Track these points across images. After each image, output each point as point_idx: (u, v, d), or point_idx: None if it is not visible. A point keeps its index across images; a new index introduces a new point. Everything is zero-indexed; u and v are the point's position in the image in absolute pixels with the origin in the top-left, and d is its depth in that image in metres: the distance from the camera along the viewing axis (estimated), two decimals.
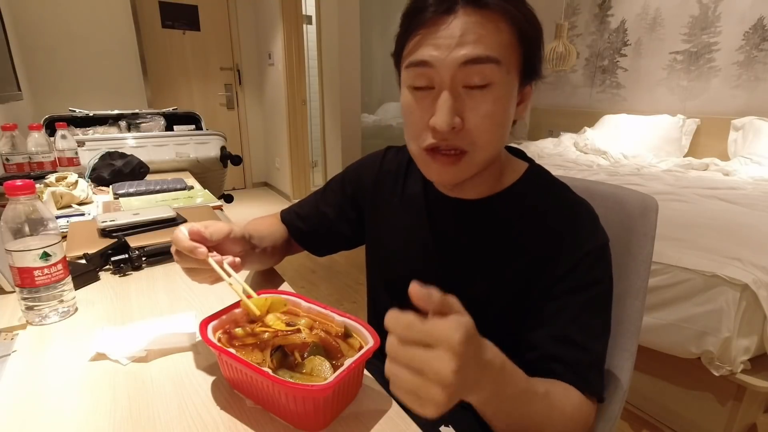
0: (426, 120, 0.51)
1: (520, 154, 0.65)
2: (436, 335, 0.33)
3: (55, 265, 0.62)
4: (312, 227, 0.77)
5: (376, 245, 0.73)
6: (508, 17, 0.48)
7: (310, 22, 3.95)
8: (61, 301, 0.64)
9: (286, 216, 0.80)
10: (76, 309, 0.66)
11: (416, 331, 0.34)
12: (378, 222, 0.72)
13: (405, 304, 0.68)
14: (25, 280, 0.60)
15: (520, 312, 0.57)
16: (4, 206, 0.60)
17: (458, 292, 0.56)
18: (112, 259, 0.79)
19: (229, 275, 0.53)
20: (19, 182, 0.58)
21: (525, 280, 0.57)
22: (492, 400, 0.41)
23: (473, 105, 0.50)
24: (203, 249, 0.53)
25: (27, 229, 0.59)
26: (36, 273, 0.60)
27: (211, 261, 0.53)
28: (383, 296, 0.73)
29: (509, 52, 0.49)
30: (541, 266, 0.55)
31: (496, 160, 0.58)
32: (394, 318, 0.35)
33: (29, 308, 0.62)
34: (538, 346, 0.54)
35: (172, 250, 0.55)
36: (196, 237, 0.54)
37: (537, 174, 0.62)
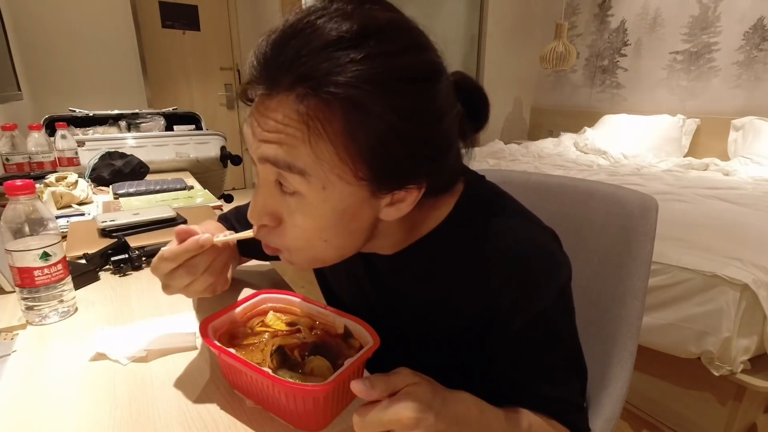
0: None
1: (462, 170, 0.50)
2: (387, 420, 0.35)
3: (55, 265, 0.62)
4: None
5: (324, 278, 0.68)
6: (352, 118, 0.35)
7: None
8: (61, 301, 0.64)
9: (223, 223, 0.69)
10: (76, 309, 0.66)
11: (370, 423, 0.35)
12: None
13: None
14: (25, 280, 0.60)
15: (476, 354, 0.50)
16: (4, 206, 0.60)
17: (402, 332, 0.54)
18: (112, 259, 0.79)
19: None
20: (19, 182, 0.58)
21: (470, 327, 0.49)
22: None
23: (287, 210, 0.41)
24: (207, 235, 0.49)
25: (27, 229, 0.59)
26: (36, 273, 0.60)
27: (219, 238, 0.51)
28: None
29: (331, 164, 0.37)
30: (487, 321, 0.47)
31: (387, 231, 0.46)
32: (355, 421, 0.36)
33: (29, 308, 0.62)
34: (510, 397, 0.49)
35: (163, 266, 0.50)
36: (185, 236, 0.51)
37: (468, 209, 0.48)
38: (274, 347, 0.48)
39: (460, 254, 0.48)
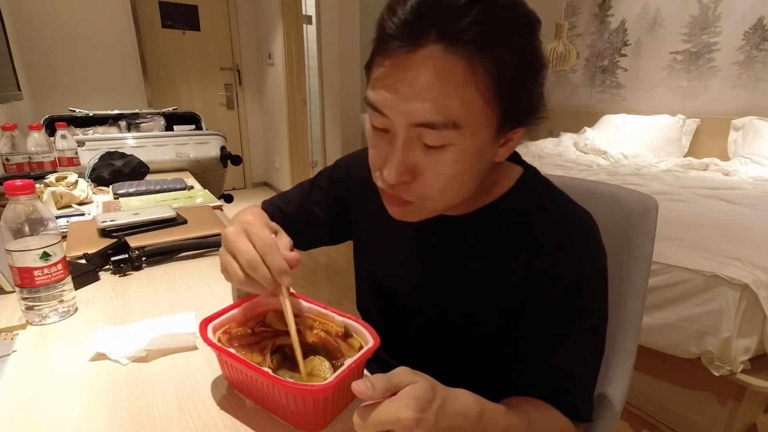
0: (380, 163, 0.47)
1: (515, 157, 0.58)
2: (387, 421, 0.35)
3: (55, 265, 0.62)
4: (296, 225, 0.70)
5: (362, 244, 0.71)
6: (488, 60, 0.39)
7: (310, 22, 3.94)
8: (61, 301, 0.64)
9: (269, 210, 0.73)
10: (76, 309, 0.66)
11: (371, 424, 0.35)
12: (365, 221, 0.70)
13: (387, 303, 0.68)
14: (25, 280, 0.60)
15: (506, 330, 0.53)
16: (3, 206, 0.60)
17: (439, 305, 0.58)
18: (112, 259, 0.79)
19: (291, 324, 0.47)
20: (19, 182, 0.58)
21: (512, 298, 0.52)
22: None
23: (428, 162, 0.44)
24: (290, 278, 0.47)
25: (27, 229, 0.59)
26: (36, 273, 0.60)
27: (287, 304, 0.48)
28: (369, 294, 0.72)
29: (478, 110, 0.41)
30: (530, 287, 0.51)
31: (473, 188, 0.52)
32: (355, 421, 0.36)
33: (29, 308, 0.62)
34: (524, 370, 0.52)
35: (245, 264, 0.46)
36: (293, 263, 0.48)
37: (530, 182, 0.56)
38: (274, 347, 0.48)
39: (522, 220, 0.52)
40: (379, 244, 0.67)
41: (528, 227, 0.52)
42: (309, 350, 0.48)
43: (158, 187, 1.37)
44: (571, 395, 0.51)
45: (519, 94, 0.43)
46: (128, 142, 1.79)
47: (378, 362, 0.71)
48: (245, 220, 0.49)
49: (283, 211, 0.73)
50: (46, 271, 0.61)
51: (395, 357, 0.68)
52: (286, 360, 0.47)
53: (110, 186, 1.42)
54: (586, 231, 0.51)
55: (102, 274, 0.79)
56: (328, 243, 0.76)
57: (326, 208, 0.72)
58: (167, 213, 1.00)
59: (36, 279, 0.60)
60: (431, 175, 0.45)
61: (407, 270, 0.62)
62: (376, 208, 0.66)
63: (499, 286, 0.53)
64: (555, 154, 2.84)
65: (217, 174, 2.05)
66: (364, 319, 0.73)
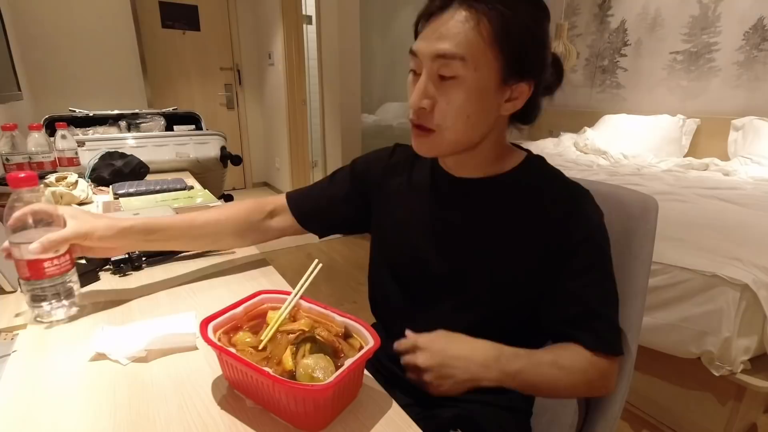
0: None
1: (520, 148, 0.69)
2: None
3: (63, 255, 0.62)
4: (318, 208, 0.80)
5: (383, 232, 0.75)
6: (491, 16, 0.53)
7: (310, 22, 3.94)
8: (69, 292, 0.63)
9: (293, 195, 0.82)
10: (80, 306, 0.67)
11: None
12: (385, 210, 0.74)
13: (407, 287, 0.71)
14: (34, 272, 0.59)
15: (530, 286, 0.61)
16: (3, 206, 0.60)
17: (460, 270, 0.64)
18: (112, 259, 0.79)
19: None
20: (22, 174, 0.58)
21: (532, 257, 0.60)
22: (504, 379, 0.55)
23: (442, 92, 0.56)
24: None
25: (30, 221, 0.59)
26: (46, 264, 0.60)
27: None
28: (389, 283, 0.73)
29: (480, 49, 0.53)
30: (548, 243, 0.59)
31: (488, 145, 0.62)
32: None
33: (36, 300, 0.61)
34: (556, 315, 0.60)
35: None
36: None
37: (535, 161, 0.66)
38: (300, 339, 0.48)
39: (533, 185, 0.63)
40: (398, 228, 0.72)
41: (538, 196, 0.61)
42: (309, 341, 0.48)
43: (158, 187, 1.37)
44: (601, 331, 0.58)
45: (518, 49, 0.54)
46: (128, 142, 1.79)
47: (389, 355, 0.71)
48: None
49: (307, 194, 0.81)
50: (55, 261, 0.60)
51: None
52: (320, 347, 0.48)
53: (110, 186, 1.42)
54: (585, 196, 0.61)
55: (102, 274, 0.79)
56: (343, 230, 0.82)
57: (345, 198, 0.78)
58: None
59: (46, 270, 0.60)
60: (444, 103, 0.56)
61: (427, 244, 0.67)
62: (397, 195, 0.73)
63: (516, 245, 0.61)
64: (555, 154, 2.84)
65: (217, 174, 2.05)
66: (379, 309, 0.77)
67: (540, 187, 0.62)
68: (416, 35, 0.59)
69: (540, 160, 0.66)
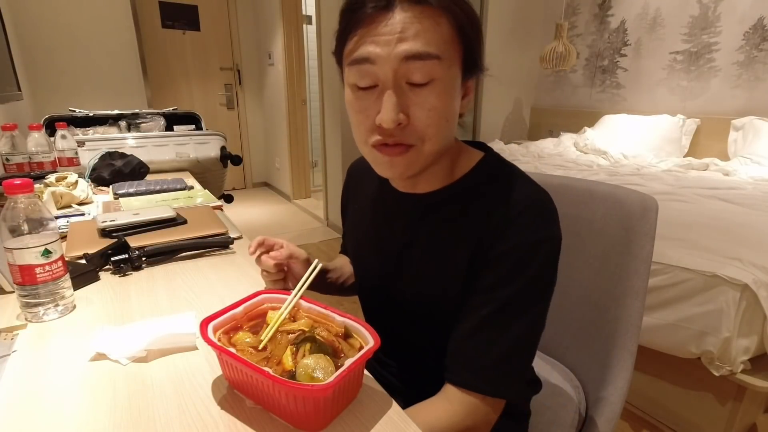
0: (372, 118, 0.50)
1: (481, 146, 0.63)
2: None
3: (55, 261, 0.62)
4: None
5: (350, 250, 0.76)
6: (446, 12, 0.48)
7: (310, 22, 3.94)
8: (62, 297, 0.64)
9: (342, 250, 0.86)
10: (74, 306, 0.67)
11: None
12: (350, 227, 0.75)
13: (368, 302, 0.72)
14: (27, 278, 0.60)
15: (454, 301, 0.56)
16: (2, 206, 0.60)
17: (407, 287, 0.61)
18: (112, 259, 0.79)
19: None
20: (17, 181, 0.59)
21: (465, 274, 0.55)
22: None
23: (418, 100, 0.49)
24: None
25: (26, 227, 0.59)
26: (38, 270, 0.60)
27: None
28: (361, 301, 0.74)
29: (450, 47, 0.49)
30: (477, 260, 0.53)
31: (445, 153, 0.56)
32: None
33: (29, 305, 0.62)
34: (452, 340, 0.55)
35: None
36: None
37: (489, 164, 0.59)
38: (300, 339, 0.48)
39: (478, 196, 0.56)
40: (358, 244, 0.71)
41: (483, 203, 0.55)
42: (309, 341, 0.48)
43: (158, 187, 1.37)
44: (480, 366, 0.52)
45: (472, 44, 0.51)
46: (128, 142, 1.78)
47: (379, 361, 0.72)
48: None
49: (342, 245, 0.85)
50: (47, 267, 0.61)
51: (389, 356, 0.70)
52: (321, 347, 0.48)
53: (110, 186, 1.42)
54: (539, 207, 0.53)
55: (102, 274, 0.79)
56: None
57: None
58: (167, 213, 1.00)
59: (38, 276, 0.60)
60: (424, 112, 0.49)
61: (378, 260, 0.66)
62: (358, 212, 0.72)
63: (455, 262, 0.55)
64: (555, 154, 2.84)
65: (217, 174, 2.04)
66: (367, 321, 0.75)
67: (486, 198, 0.55)
68: (342, 47, 0.51)
69: (495, 164, 0.59)
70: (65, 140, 1.48)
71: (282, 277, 0.69)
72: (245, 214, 3.81)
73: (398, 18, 0.47)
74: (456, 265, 0.55)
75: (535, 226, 0.52)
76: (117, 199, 1.29)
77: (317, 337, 0.49)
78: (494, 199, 0.54)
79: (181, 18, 3.86)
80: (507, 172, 0.57)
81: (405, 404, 0.64)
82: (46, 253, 0.60)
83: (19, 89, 2.05)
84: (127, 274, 0.79)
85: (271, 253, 0.67)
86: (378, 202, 0.67)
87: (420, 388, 0.59)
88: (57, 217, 1.07)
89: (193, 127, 2.22)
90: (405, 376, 0.69)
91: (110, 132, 2.01)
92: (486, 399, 0.52)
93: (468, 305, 0.54)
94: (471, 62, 0.52)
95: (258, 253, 0.67)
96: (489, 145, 0.64)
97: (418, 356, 0.66)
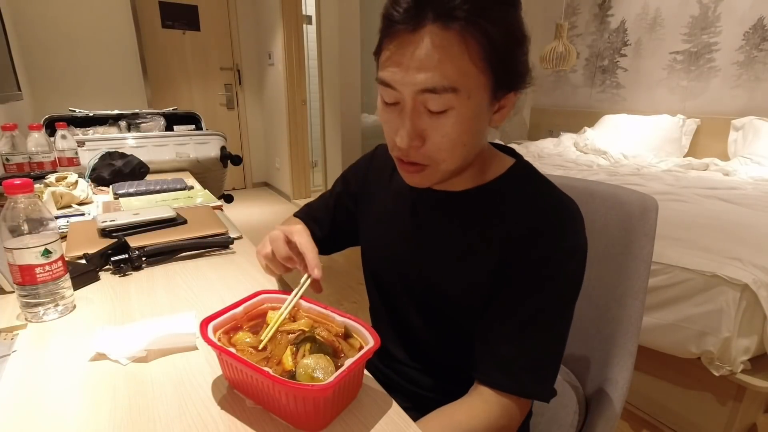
0: (393, 134, 0.52)
1: (511, 152, 0.64)
2: None
3: (56, 261, 0.62)
4: (326, 230, 0.78)
5: (364, 238, 0.74)
6: (477, 33, 0.45)
7: (310, 22, 3.95)
8: (62, 297, 0.64)
9: (301, 217, 0.80)
10: (74, 306, 0.67)
11: None
12: (367, 216, 0.73)
13: (383, 294, 0.70)
14: (27, 278, 0.60)
15: (476, 300, 0.57)
16: (1, 206, 0.61)
17: (431, 281, 0.61)
18: (112, 259, 0.79)
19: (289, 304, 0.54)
20: (17, 181, 0.59)
21: (493, 274, 0.55)
22: None
23: (434, 126, 0.50)
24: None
25: (26, 227, 0.59)
26: (38, 270, 0.60)
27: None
28: (372, 290, 0.74)
29: (472, 76, 0.47)
30: (508, 262, 0.54)
31: (476, 159, 0.57)
32: None
33: (29, 306, 0.62)
34: (486, 342, 0.55)
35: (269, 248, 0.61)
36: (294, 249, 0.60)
37: (521, 170, 0.60)
38: (300, 339, 0.48)
39: (510, 199, 0.57)
40: (377, 234, 0.70)
41: (515, 206, 0.56)
42: (309, 341, 0.48)
43: (158, 187, 1.37)
44: (516, 368, 0.53)
45: (507, 61, 0.49)
46: (128, 142, 1.78)
47: (383, 360, 0.71)
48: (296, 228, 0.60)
49: (313, 217, 0.79)
50: (47, 268, 0.61)
51: (411, 357, 0.69)
52: (321, 347, 0.48)
53: (110, 186, 1.42)
54: (568, 216, 0.54)
55: (102, 274, 0.79)
56: (352, 244, 0.80)
57: (344, 209, 0.77)
58: (167, 213, 1.00)
59: (38, 276, 0.60)
60: (439, 137, 0.50)
61: (401, 251, 0.65)
62: (378, 201, 0.71)
63: (484, 260, 0.56)
64: (555, 154, 2.84)
65: (217, 174, 2.04)
66: (375, 321, 0.75)
67: (518, 202, 0.56)
68: (380, 52, 0.51)
69: (527, 170, 0.60)
70: (65, 140, 1.48)
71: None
72: (245, 214, 3.81)
73: (424, 44, 0.46)
74: (482, 262, 0.56)
75: (568, 233, 0.53)
76: (117, 199, 1.29)
77: (317, 337, 0.49)
78: (526, 205, 0.55)
79: (181, 18, 3.86)
80: (538, 180, 0.59)
81: (406, 403, 0.65)
82: (46, 253, 0.60)
83: (19, 89, 2.05)
84: (127, 274, 0.79)
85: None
86: (404, 192, 0.66)
87: (425, 385, 0.59)
88: (57, 217, 1.07)
89: (193, 127, 2.22)
90: (410, 373, 0.69)
91: (110, 132, 2.01)
92: (520, 400, 0.53)
93: (501, 309, 0.55)
94: (506, 79, 0.50)
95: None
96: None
97: (426, 351, 0.67)
